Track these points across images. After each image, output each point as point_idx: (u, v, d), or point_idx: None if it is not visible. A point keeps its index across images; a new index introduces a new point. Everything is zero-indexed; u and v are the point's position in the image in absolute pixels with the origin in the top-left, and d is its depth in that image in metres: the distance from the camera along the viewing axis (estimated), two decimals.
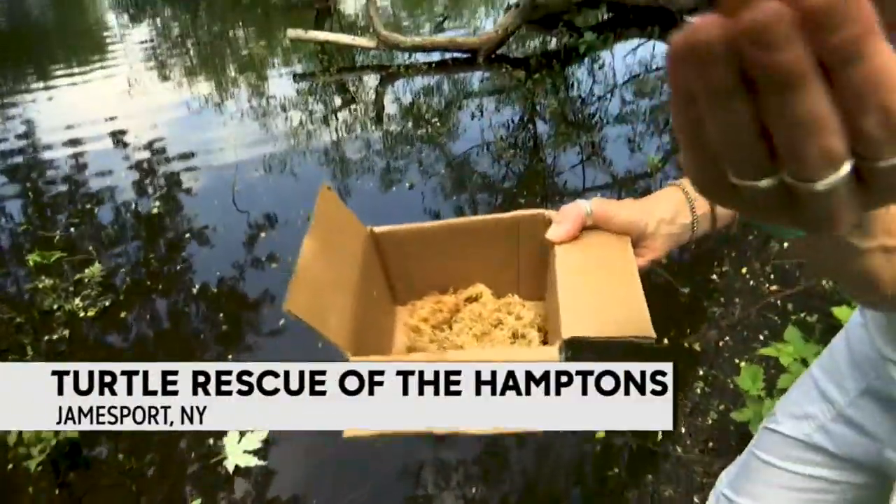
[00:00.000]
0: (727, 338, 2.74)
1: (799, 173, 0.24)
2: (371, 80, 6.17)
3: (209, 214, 3.91)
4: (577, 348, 0.61)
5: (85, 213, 4.03)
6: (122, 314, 3.06)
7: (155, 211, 4.01)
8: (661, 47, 6.39)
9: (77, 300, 3.13)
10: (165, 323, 3.02)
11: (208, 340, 2.89)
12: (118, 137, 5.14)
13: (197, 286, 3.24)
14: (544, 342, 0.73)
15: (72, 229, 3.84)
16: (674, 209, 0.73)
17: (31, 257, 3.26)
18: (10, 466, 2.28)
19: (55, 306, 3.09)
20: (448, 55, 6.21)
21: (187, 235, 3.72)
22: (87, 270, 3.33)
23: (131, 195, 4.24)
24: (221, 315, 3.01)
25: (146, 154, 4.81)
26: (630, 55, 6.31)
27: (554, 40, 6.61)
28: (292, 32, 6.18)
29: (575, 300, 0.65)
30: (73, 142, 5.11)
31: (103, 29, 8.71)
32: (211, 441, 2.36)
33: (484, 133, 4.87)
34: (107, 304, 3.12)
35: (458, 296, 0.82)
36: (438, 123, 5.08)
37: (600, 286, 0.67)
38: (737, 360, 2.61)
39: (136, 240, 3.71)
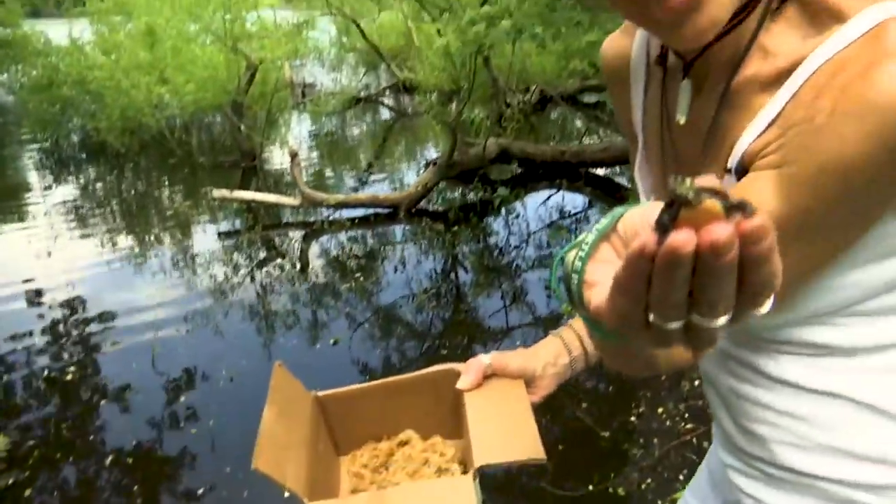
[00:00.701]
0: (649, 479, 2.82)
1: (707, 317, 0.35)
2: (296, 236, 6.34)
3: (127, 377, 3.81)
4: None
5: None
6: (27, 492, 2.89)
7: (69, 377, 3.88)
8: (569, 197, 6.90)
9: None
10: (75, 497, 2.86)
11: None
12: (33, 299, 5.02)
13: (111, 456, 3.10)
14: (464, 472, 0.87)
15: None
16: (555, 353, 0.91)
17: None
18: None
19: None
20: (370, 211, 6.49)
21: (103, 401, 3.60)
22: None
23: (45, 360, 4.10)
24: (136, 487, 2.88)
25: (62, 315, 4.71)
26: (542, 206, 6.76)
27: (471, 194, 7.03)
28: (218, 192, 6.36)
29: (482, 435, 0.82)
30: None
31: (24, 190, 8.69)
32: None
33: (410, 284, 5.04)
34: (10, 481, 2.94)
35: (391, 442, 0.97)
36: (362, 277, 5.22)
37: (501, 422, 0.84)
38: (659, 502, 2.68)
39: (47, 407, 3.56)
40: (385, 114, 13.09)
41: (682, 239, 0.31)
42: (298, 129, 11.70)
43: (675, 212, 0.33)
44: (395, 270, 5.32)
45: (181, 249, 6.08)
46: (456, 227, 6.15)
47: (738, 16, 0.59)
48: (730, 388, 0.76)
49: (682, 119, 0.68)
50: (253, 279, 5.31)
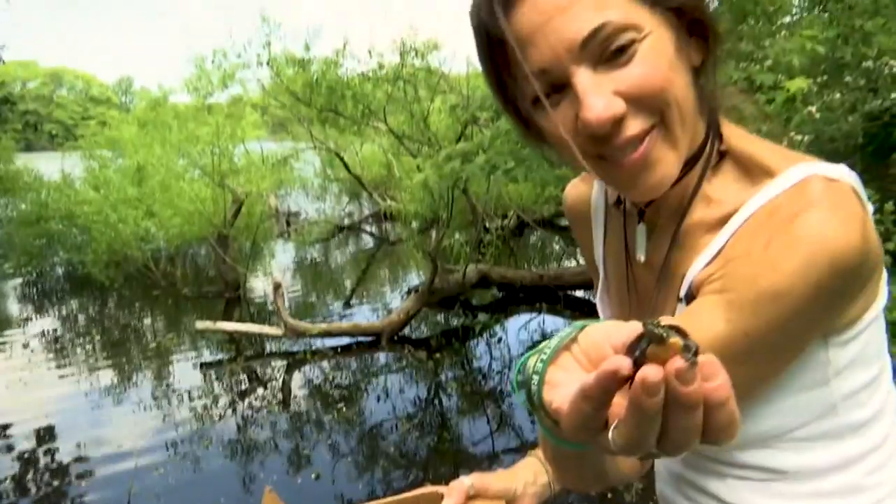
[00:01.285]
0: None
1: (669, 454, 0.41)
2: (279, 366, 6.33)
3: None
4: None
5: None
6: None
7: None
8: (549, 320, 7.00)
9: None
10: None
11: None
12: (4, 434, 4.91)
13: None
14: None
15: None
16: (534, 473, 0.94)
17: None
18: None
19: None
20: (353, 339, 6.53)
21: None
22: None
23: (10, 498, 3.96)
24: None
25: (31, 448, 4.59)
26: (523, 329, 6.85)
27: (453, 319, 7.12)
28: (201, 324, 6.39)
29: None
30: None
31: (3, 322, 8.65)
32: None
33: (394, 412, 5.01)
34: None
35: None
36: (345, 407, 5.19)
37: None
38: None
39: None
40: (368, 241, 13.40)
41: (654, 371, 0.38)
42: (282, 258, 11.90)
43: (645, 346, 0.41)
44: (379, 399, 5.30)
45: (161, 382, 6.03)
46: (438, 354, 6.19)
47: (683, 170, 0.69)
48: None
49: (641, 257, 0.78)
50: (234, 411, 5.26)
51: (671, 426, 0.40)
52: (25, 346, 7.25)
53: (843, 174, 0.65)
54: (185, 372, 6.24)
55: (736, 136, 0.72)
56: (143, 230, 8.90)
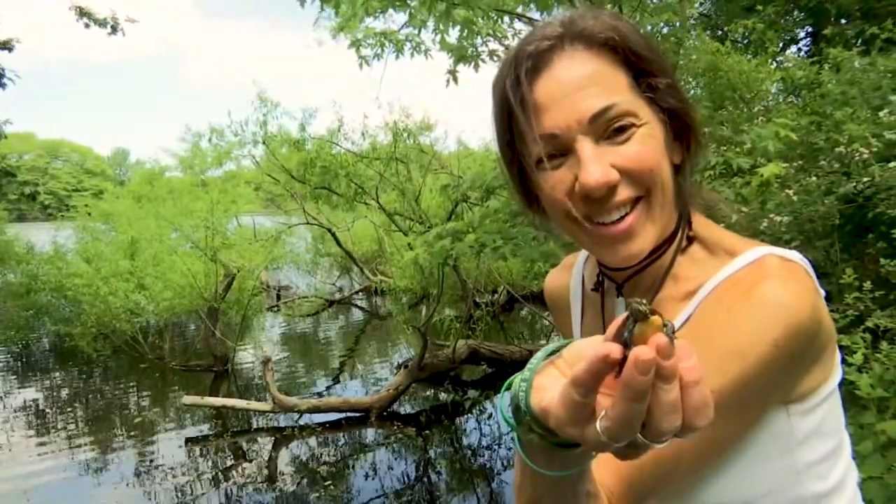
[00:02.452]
0: None
1: (652, 440, 0.47)
2: (266, 441, 6.23)
3: None
4: None
5: None
6: None
7: None
8: None
9: None
10: None
11: None
12: None
13: None
14: None
15: None
16: None
17: None
18: None
19: None
20: (342, 415, 6.46)
21: None
22: None
23: None
24: None
25: None
26: None
27: (442, 395, 7.07)
28: (188, 399, 6.33)
29: None
30: None
31: None
32: None
33: (383, 489, 4.93)
34: None
35: None
36: (332, 485, 5.10)
37: None
38: None
39: None
40: (358, 315, 13.38)
41: (646, 350, 0.44)
42: (272, 332, 11.85)
43: (632, 326, 0.47)
44: (367, 476, 5.22)
45: (145, 457, 5.91)
46: (428, 430, 6.13)
47: (657, 251, 0.79)
48: None
49: None
50: (218, 487, 5.15)
51: (654, 406, 0.45)
52: (6, 421, 7.11)
53: (797, 257, 0.74)
54: (169, 447, 6.13)
55: (704, 224, 0.83)
56: (133, 303, 8.89)
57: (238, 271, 9.10)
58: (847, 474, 0.78)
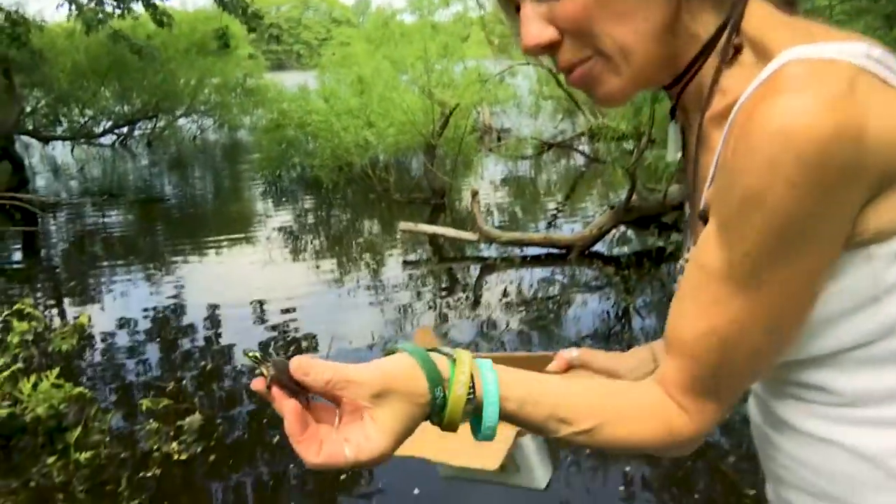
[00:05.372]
0: None
1: None
2: (471, 269, 6.66)
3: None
4: None
5: (203, 370, 4.52)
6: (212, 458, 3.40)
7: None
8: None
9: (174, 444, 3.50)
10: (252, 474, 3.30)
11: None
12: (256, 306, 5.73)
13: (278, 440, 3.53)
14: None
15: (184, 382, 4.32)
16: (641, 359, 0.93)
17: (144, 402, 3.71)
18: None
19: (155, 447, 3.47)
20: (544, 250, 6.64)
21: None
22: (187, 419, 3.73)
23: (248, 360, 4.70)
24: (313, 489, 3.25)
25: (277, 321, 5.37)
26: None
27: (648, 239, 6.92)
28: (404, 225, 6.90)
29: None
30: (212, 307, 5.76)
31: (252, 214, 10.02)
32: None
33: (578, 322, 5.10)
34: (199, 450, 3.46)
35: None
36: (529, 314, 5.36)
37: None
38: None
39: (248, 403, 4.06)
40: (579, 160, 13.24)
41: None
42: (490, 172, 12.23)
43: (270, 373, 0.59)
44: (562, 310, 5.41)
45: (373, 275, 6.64)
46: (627, 272, 6.10)
47: (691, 66, 0.67)
48: (758, 429, 0.78)
49: (674, 156, 0.76)
50: (430, 307, 5.65)
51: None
52: (268, 238, 8.28)
53: (853, 54, 0.56)
54: (391, 268, 6.84)
55: (757, 17, 0.65)
56: (363, 139, 9.65)
57: (456, 106, 9.36)
58: None
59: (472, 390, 0.62)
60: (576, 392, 0.69)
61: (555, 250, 6.59)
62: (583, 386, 0.74)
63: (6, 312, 4.40)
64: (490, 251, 6.80)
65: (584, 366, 0.92)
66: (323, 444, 0.58)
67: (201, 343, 5.02)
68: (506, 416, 0.64)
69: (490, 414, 0.63)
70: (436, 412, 0.62)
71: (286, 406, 0.58)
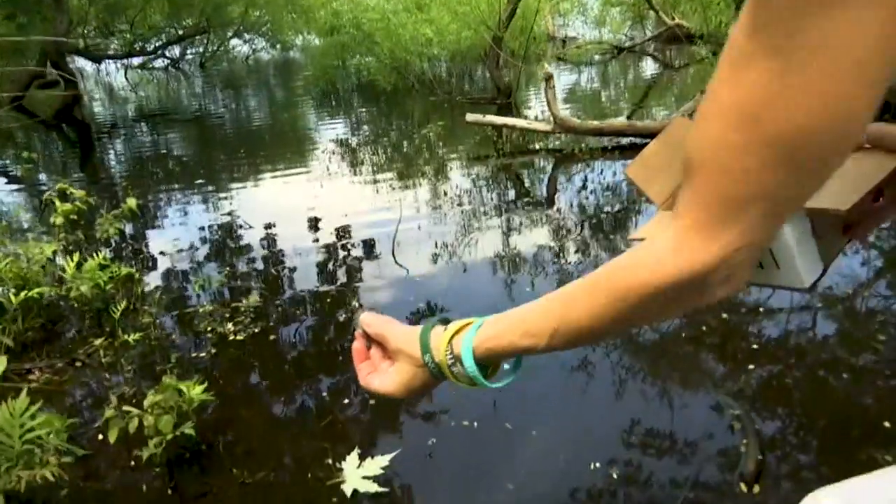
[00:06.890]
0: None
1: None
2: (545, 163, 6.08)
3: (371, 277, 3.85)
4: None
5: (266, 273, 4.14)
6: (272, 337, 3.03)
7: (320, 259, 4.06)
8: None
9: (230, 325, 3.14)
10: (306, 349, 2.92)
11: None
12: (311, 220, 5.24)
13: (338, 320, 3.14)
14: None
15: (248, 282, 3.96)
16: None
17: (197, 281, 3.36)
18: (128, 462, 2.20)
19: (209, 329, 3.12)
20: (625, 140, 6.01)
21: (343, 287, 3.68)
22: (244, 301, 3.37)
23: (317, 256, 4.24)
24: None
25: (331, 228, 4.87)
26: None
27: None
28: (471, 117, 6.32)
29: None
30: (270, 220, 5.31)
31: (309, 125, 9.58)
32: (330, 461, 2.14)
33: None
34: (256, 330, 3.09)
35: None
36: (608, 208, 4.81)
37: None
38: None
39: (301, 290, 3.67)
40: (649, 67, 12.29)
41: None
42: (556, 77, 11.44)
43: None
44: (643, 205, 4.82)
45: (439, 172, 6.10)
46: None
47: None
48: None
49: None
50: (500, 207, 5.12)
51: None
52: (324, 151, 7.78)
53: None
54: (457, 165, 6.26)
55: None
56: (422, 36, 8.99)
57: None
58: None
59: (451, 349, 0.62)
60: (537, 303, 0.60)
61: (637, 140, 5.95)
62: (545, 297, 0.62)
63: (49, 192, 4.12)
64: (562, 143, 6.18)
65: (872, 143, 0.65)
66: (368, 373, 0.70)
67: (258, 238, 4.65)
68: (483, 357, 0.61)
69: (468, 366, 0.61)
70: (435, 372, 0.63)
71: (354, 344, 0.72)
